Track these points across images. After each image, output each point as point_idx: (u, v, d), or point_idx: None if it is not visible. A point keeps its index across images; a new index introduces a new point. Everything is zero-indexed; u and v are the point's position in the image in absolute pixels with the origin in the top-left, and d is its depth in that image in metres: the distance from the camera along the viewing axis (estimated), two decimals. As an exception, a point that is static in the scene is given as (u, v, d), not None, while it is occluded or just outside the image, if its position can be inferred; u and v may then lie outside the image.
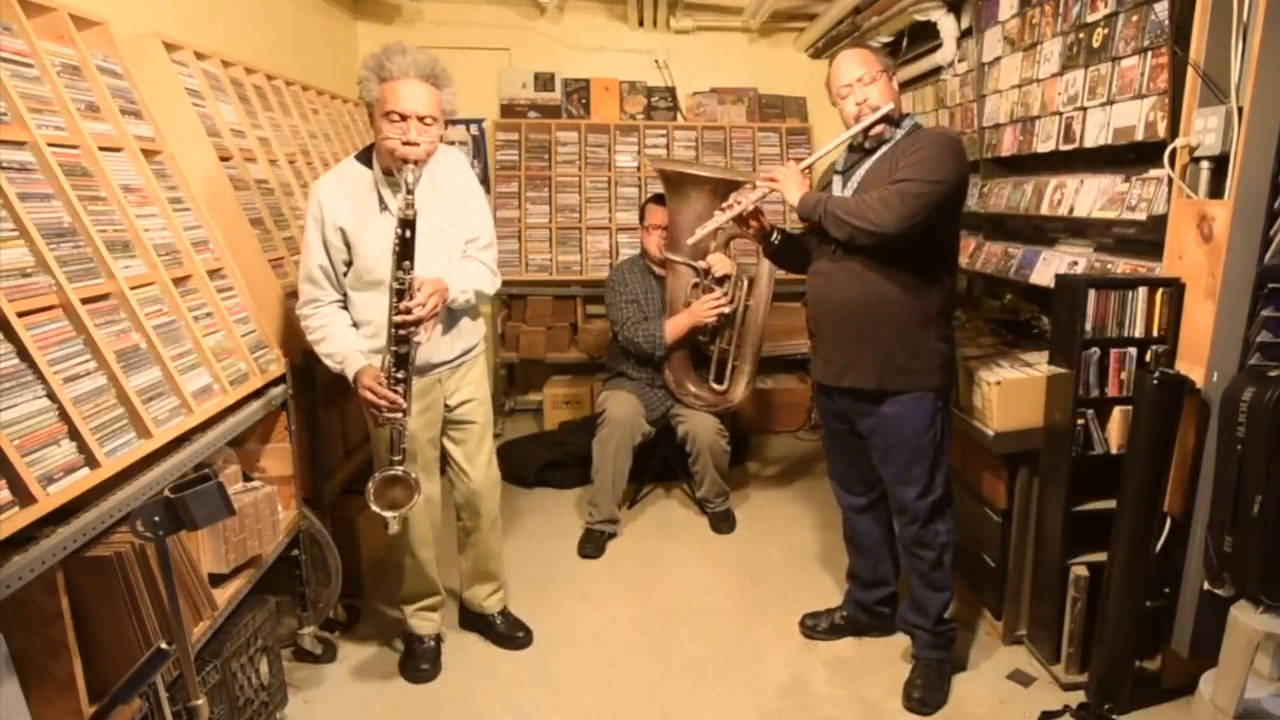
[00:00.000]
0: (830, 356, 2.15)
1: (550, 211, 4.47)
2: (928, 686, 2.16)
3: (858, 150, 2.13)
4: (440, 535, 2.36)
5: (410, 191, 1.80)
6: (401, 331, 1.87)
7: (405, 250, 1.82)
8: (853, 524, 2.40)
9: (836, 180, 2.15)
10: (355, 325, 2.07)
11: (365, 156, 2.05)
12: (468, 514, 2.35)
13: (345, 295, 2.07)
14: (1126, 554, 1.96)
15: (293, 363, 2.19)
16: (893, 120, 2.05)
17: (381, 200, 2.00)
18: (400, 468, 1.98)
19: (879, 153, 2.07)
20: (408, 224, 1.81)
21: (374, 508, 1.98)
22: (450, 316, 2.12)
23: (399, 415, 1.93)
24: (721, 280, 3.05)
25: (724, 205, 2.16)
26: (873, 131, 2.05)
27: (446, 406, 2.20)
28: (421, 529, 2.24)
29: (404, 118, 1.88)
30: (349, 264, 2.02)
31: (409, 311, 1.85)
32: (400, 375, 1.91)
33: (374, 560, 2.79)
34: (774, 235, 2.25)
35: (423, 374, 2.09)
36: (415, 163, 1.86)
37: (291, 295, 2.34)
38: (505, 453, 3.74)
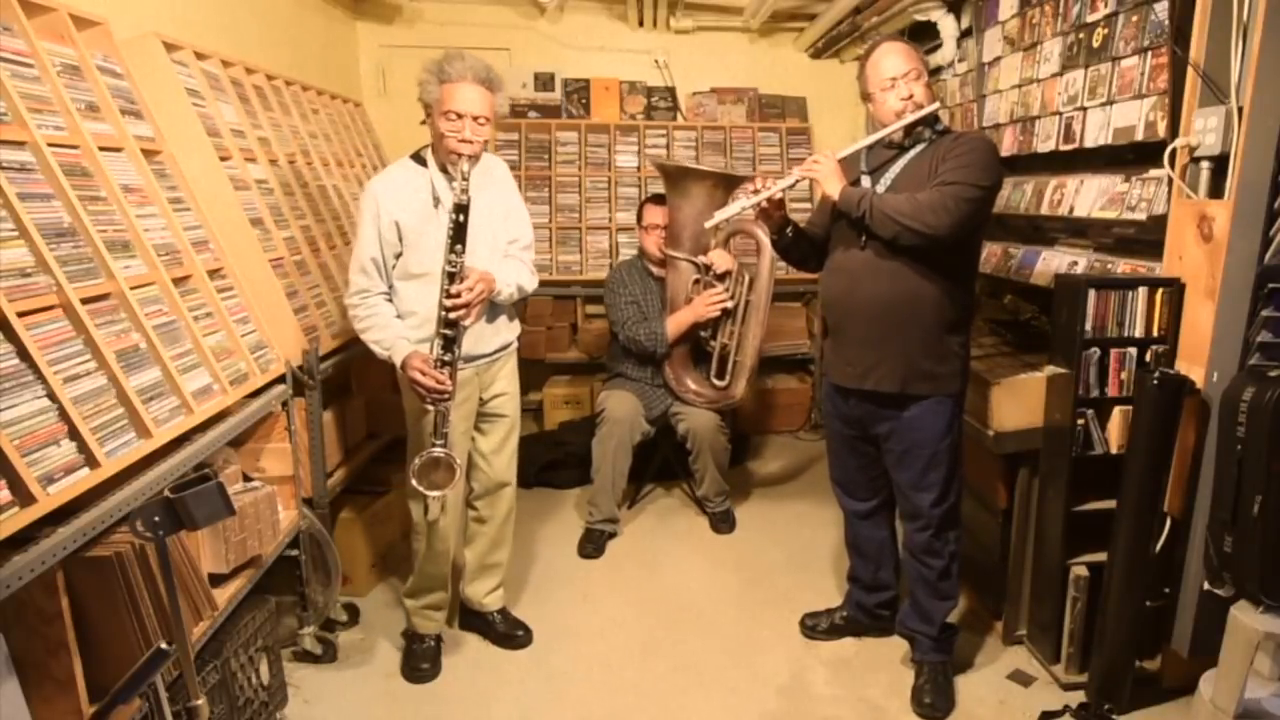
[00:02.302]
0: (852, 357, 2.09)
1: (550, 211, 4.46)
2: (937, 691, 2.15)
3: (888, 149, 2.08)
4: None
5: (465, 178, 1.93)
6: (451, 315, 1.97)
7: (459, 234, 1.95)
8: (855, 529, 2.38)
9: (865, 180, 2.09)
10: (400, 317, 2.14)
11: (419, 158, 2.16)
12: (485, 505, 2.39)
13: (391, 287, 2.15)
14: (1126, 554, 1.96)
15: (293, 363, 2.19)
16: (930, 121, 2.02)
17: (435, 196, 2.10)
18: (443, 450, 2.02)
19: (912, 152, 2.03)
20: (462, 209, 1.95)
21: (418, 487, 2.03)
22: (492, 310, 2.21)
23: (445, 397, 2.00)
24: (722, 276, 3.06)
25: (753, 189, 2.09)
26: (913, 130, 2.02)
27: (480, 400, 2.26)
28: (446, 523, 2.25)
29: (460, 116, 2.02)
30: (398, 257, 2.11)
31: (459, 295, 1.95)
32: (448, 358, 2.00)
33: (374, 560, 2.79)
34: (789, 228, 2.21)
35: (463, 366, 2.14)
36: (469, 158, 1.99)
37: (291, 294, 2.35)
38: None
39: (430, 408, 2.04)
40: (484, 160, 2.19)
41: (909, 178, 2.00)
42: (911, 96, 1.97)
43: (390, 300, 2.15)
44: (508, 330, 2.30)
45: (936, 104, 2.00)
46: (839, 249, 2.12)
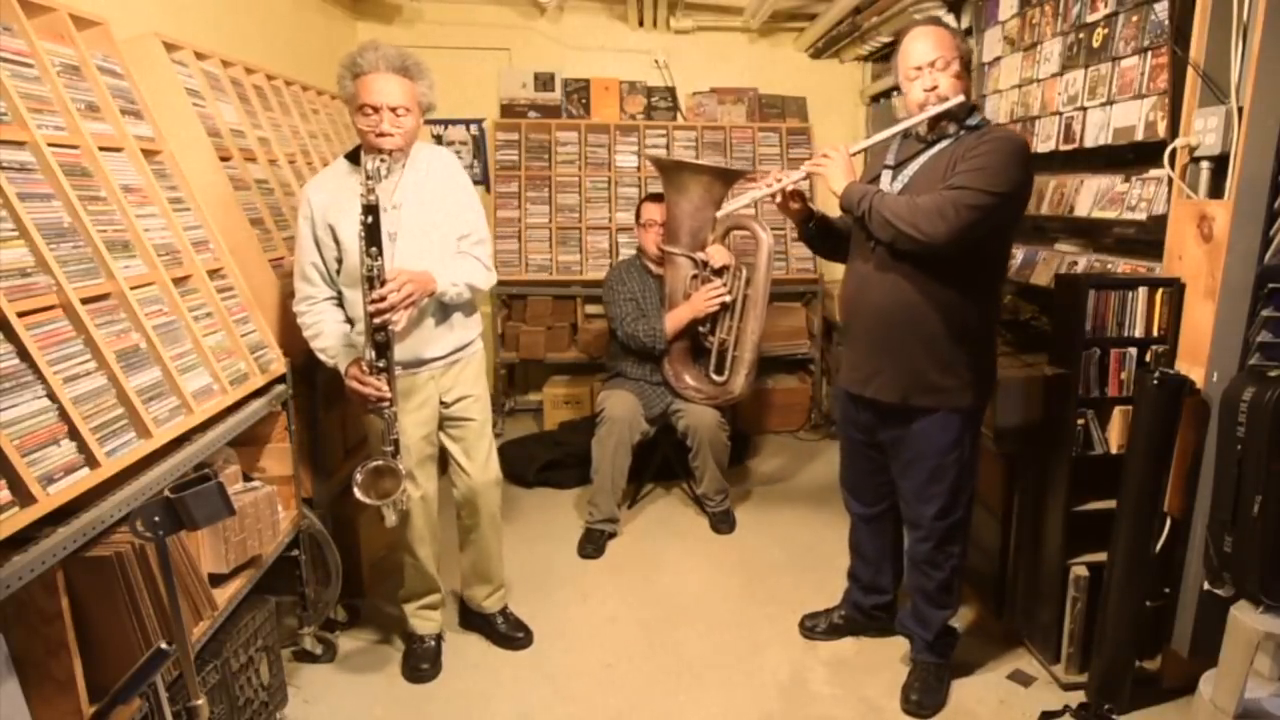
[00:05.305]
0: (856, 362, 2.05)
1: (550, 211, 4.46)
2: (925, 689, 2.15)
3: (914, 142, 1.98)
4: (440, 534, 2.36)
5: (370, 178, 1.83)
6: (377, 319, 1.90)
7: (371, 237, 1.86)
8: (858, 532, 2.38)
9: (886, 174, 2.00)
10: (350, 322, 2.09)
11: (354, 155, 2.10)
12: (467, 511, 2.35)
13: (340, 293, 2.10)
14: (1126, 554, 1.96)
15: (293, 363, 2.19)
16: (958, 115, 1.90)
17: None
18: (387, 458, 1.99)
19: (937, 147, 1.92)
20: (370, 210, 1.85)
21: (361, 497, 1.99)
22: (443, 311, 2.14)
23: (385, 404, 1.97)
24: (720, 271, 3.05)
25: (765, 181, 2.02)
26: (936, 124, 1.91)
27: (443, 404, 2.21)
28: (418, 526, 2.25)
29: (376, 110, 1.94)
30: (340, 260, 2.05)
31: (382, 299, 1.88)
32: (381, 364, 1.94)
33: (374, 560, 2.79)
34: (812, 220, 2.15)
35: (416, 370, 2.11)
36: (390, 152, 1.92)
37: (292, 295, 2.35)
38: (505, 453, 3.73)
39: (370, 414, 2.00)
40: (424, 153, 2.09)
41: (927, 175, 1.89)
42: (935, 88, 1.85)
43: (340, 305, 2.10)
44: (464, 330, 2.20)
45: (961, 98, 1.85)
46: (855, 249, 2.06)
